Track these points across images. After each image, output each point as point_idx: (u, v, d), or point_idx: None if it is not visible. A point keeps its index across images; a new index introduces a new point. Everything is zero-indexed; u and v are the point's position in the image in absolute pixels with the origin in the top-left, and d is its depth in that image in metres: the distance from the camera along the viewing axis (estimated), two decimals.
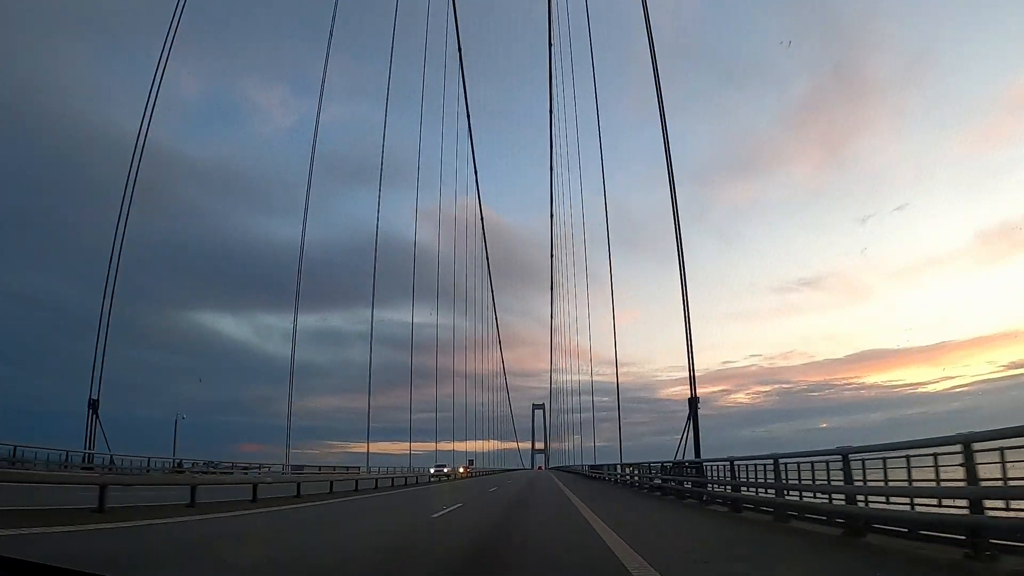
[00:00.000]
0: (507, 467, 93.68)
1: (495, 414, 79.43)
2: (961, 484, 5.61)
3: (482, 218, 48.64)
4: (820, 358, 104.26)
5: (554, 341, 72.32)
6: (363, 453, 30.49)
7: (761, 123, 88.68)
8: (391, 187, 37.85)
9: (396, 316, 38.04)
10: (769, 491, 10.64)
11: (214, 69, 57.91)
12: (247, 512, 12.34)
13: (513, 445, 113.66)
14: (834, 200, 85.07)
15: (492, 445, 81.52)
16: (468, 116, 39.67)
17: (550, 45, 36.05)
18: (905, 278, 76.54)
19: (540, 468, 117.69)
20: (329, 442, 52.99)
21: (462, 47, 34.99)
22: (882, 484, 7.54)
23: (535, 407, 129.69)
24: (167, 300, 48.50)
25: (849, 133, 71.36)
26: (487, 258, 52.93)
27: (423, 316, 37.26)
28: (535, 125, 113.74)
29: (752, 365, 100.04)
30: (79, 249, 32.06)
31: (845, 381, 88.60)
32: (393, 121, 31.23)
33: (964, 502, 5.58)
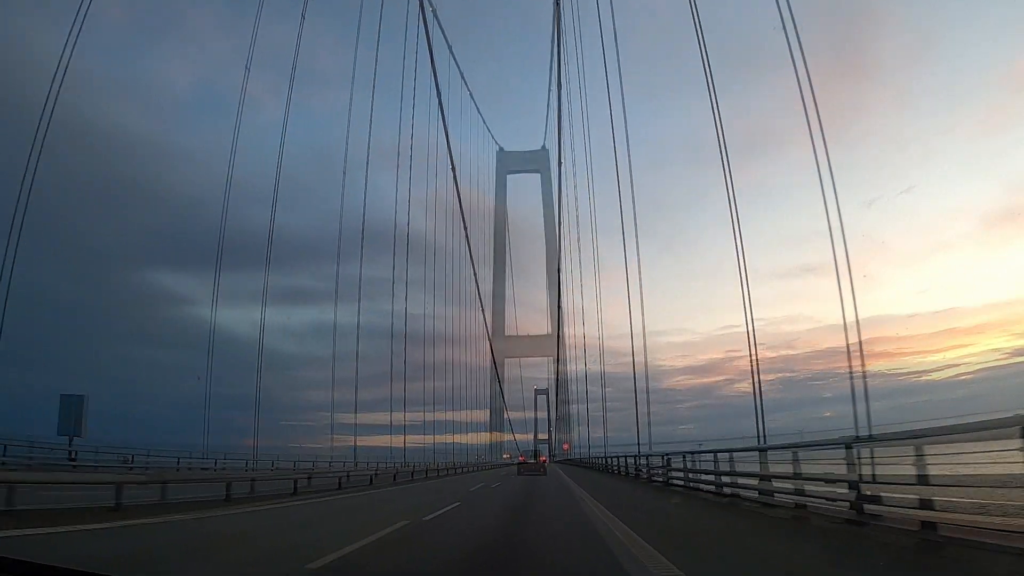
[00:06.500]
0: (498, 461, 76.72)
1: (494, 405, 78.17)
2: None
3: (457, 188, 45.46)
4: (823, 346, 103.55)
5: (559, 324, 70.34)
6: (366, 446, 30.07)
7: (762, 105, 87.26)
8: (382, 173, 37.07)
9: (393, 306, 37.06)
10: None
11: (205, 60, 56.87)
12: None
13: (510, 437, 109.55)
14: (838, 183, 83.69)
15: (493, 436, 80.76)
16: (435, 76, 36.58)
17: (556, 31, 34.99)
18: (908, 263, 75.81)
19: (544, 460, 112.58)
20: (334, 435, 52.46)
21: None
22: None
23: (538, 393, 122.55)
24: (165, 294, 47.89)
25: (853, 114, 70.25)
26: (465, 226, 48.45)
27: (417, 307, 36.14)
28: (536, 109, 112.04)
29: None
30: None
31: (849, 369, 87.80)
32: (382, 104, 30.09)
33: None
